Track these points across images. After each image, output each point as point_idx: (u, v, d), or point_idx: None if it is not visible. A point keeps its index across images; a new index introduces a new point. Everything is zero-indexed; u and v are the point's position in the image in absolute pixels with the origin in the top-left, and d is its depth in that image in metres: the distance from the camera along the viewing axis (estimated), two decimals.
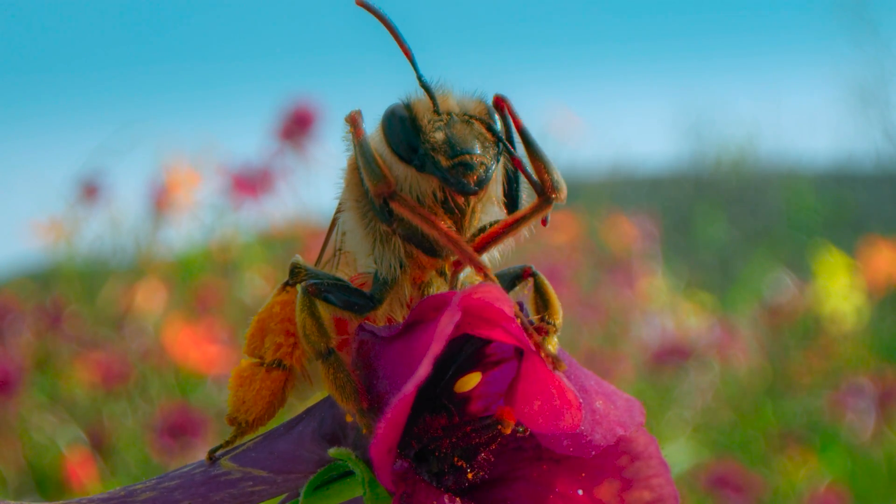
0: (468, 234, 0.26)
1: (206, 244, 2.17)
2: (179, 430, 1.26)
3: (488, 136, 0.25)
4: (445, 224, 0.25)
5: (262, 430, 0.25)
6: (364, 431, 0.22)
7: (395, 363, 0.21)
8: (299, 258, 0.27)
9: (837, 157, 4.10)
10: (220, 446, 0.25)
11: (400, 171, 0.25)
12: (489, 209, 0.26)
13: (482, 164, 0.25)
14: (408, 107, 0.25)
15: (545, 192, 0.25)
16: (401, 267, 0.26)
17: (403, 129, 0.25)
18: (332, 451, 0.22)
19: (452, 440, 0.22)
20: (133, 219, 2.19)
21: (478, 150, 0.25)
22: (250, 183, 1.98)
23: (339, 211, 0.28)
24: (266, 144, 1.95)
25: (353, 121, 0.25)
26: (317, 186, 1.98)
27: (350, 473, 0.22)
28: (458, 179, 0.24)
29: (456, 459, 0.22)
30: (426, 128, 0.25)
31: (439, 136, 0.25)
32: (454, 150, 0.24)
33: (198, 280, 2.00)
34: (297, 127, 1.89)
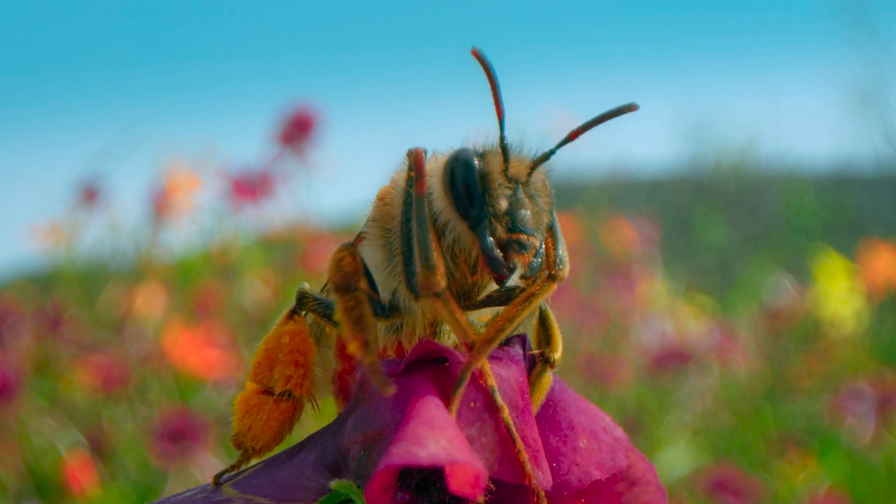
0: (474, 300, 0.25)
1: (205, 248, 2.17)
2: (179, 434, 1.26)
3: (544, 216, 0.25)
4: (470, 330, 0.24)
5: (267, 455, 0.25)
6: (366, 363, 0.22)
7: (392, 406, 0.21)
8: (306, 286, 0.27)
9: (837, 160, 4.10)
10: (227, 470, 0.25)
11: (451, 217, 0.24)
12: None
13: (532, 249, 0.24)
14: (483, 160, 0.24)
15: (549, 267, 0.25)
16: (421, 310, 0.25)
17: (472, 182, 0.24)
18: (334, 484, 0.22)
19: None
20: (133, 222, 2.20)
21: (533, 233, 0.24)
22: (250, 187, 1.98)
23: (359, 240, 0.27)
24: (266, 148, 1.95)
25: (418, 165, 0.24)
26: (317, 190, 1.98)
27: (351, 501, 0.22)
28: (494, 257, 0.24)
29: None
30: (494, 190, 0.24)
31: (503, 204, 0.24)
32: (514, 226, 0.24)
33: (198, 284, 2.00)
34: (298, 131, 1.89)
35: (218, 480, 0.25)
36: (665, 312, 2.20)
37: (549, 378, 0.25)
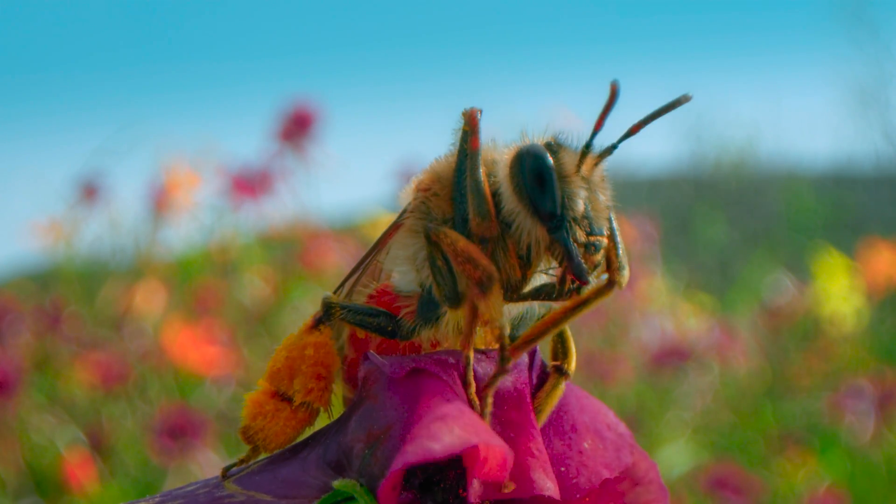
0: (519, 293, 0.25)
1: (205, 245, 2.17)
2: (179, 431, 1.26)
3: (606, 212, 0.24)
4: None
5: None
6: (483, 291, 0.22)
7: (397, 404, 0.22)
8: (330, 294, 0.26)
9: (837, 158, 4.10)
10: (235, 464, 0.25)
11: (519, 212, 0.24)
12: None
13: (602, 250, 0.24)
14: (555, 155, 0.24)
15: (610, 274, 0.24)
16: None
17: (550, 181, 0.24)
18: (338, 483, 0.22)
19: (458, 471, 0.22)
20: (132, 220, 2.20)
21: (603, 232, 0.24)
22: (250, 184, 1.98)
23: (396, 229, 0.27)
24: (266, 145, 1.95)
25: (473, 123, 0.24)
26: (317, 188, 1.98)
27: (353, 500, 0.22)
28: (580, 263, 0.23)
29: (461, 491, 0.22)
30: (573, 192, 0.24)
31: (581, 207, 0.24)
32: (592, 229, 0.24)
33: (197, 281, 2.00)
34: (297, 128, 1.89)
35: (225, 474, 0.24)
36: (665, 310, 2.20)
37: (562, 390, 0.25)
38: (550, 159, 0.24)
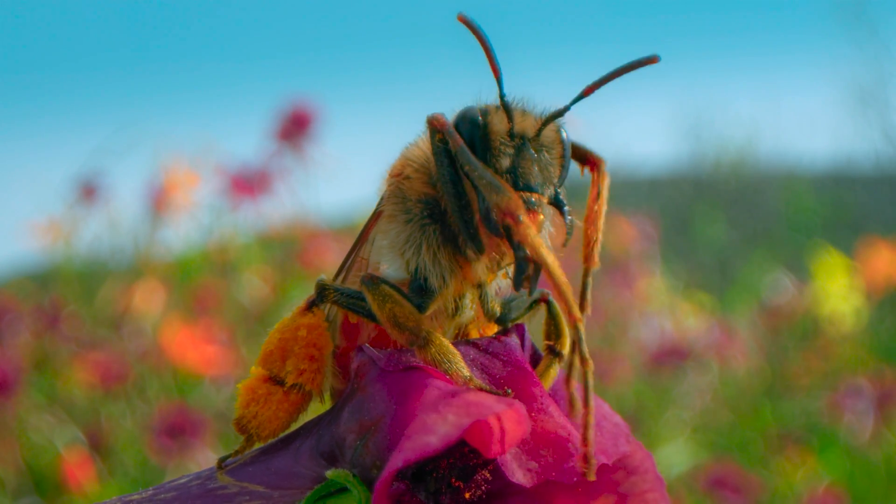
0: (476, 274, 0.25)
1: (204, 245, 2.16)
2: (178, 430, 1.26)
3: (554, 171, 0.24)
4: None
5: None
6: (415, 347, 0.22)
7: (387, 396, 0.21)
8: (325, 278, 0.26)
9: (837, 158, 4.10)
10: (229, 455, 0.25)
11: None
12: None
13: (539, 206, 0.23)
14: (484, 116, 0.24)
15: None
16: (444, 281, 0.25)
17: (472, 140, 0.24)
18: (331, 473, 0.22)
19: (450, 460, 0.22)
20: (131, 219, 2.20)
21: (538, 189, 0.23)
22: (249, 184, 1.98)
23: (377, 218, 0.27)
24: (264, 145, 1.95)
25: (442, 126, 0.24)
26: (315, 187, 1.98)
27: (346, 490, 0.22)
28: (487, 217, 0.23)
29: (453, 480, 0.22)
30: (495, 148, 0.23)
31: (505, 162, 0.23)
32: (516, 185, 0.23)
33: (196, 281, 2.00)
34: (296, 127, 1.90)
35: (221, 465, 0.24)
36: (664, 310, 2.20)
37: (556, 371, 0.25)
38: (479, 119, 0.24)
